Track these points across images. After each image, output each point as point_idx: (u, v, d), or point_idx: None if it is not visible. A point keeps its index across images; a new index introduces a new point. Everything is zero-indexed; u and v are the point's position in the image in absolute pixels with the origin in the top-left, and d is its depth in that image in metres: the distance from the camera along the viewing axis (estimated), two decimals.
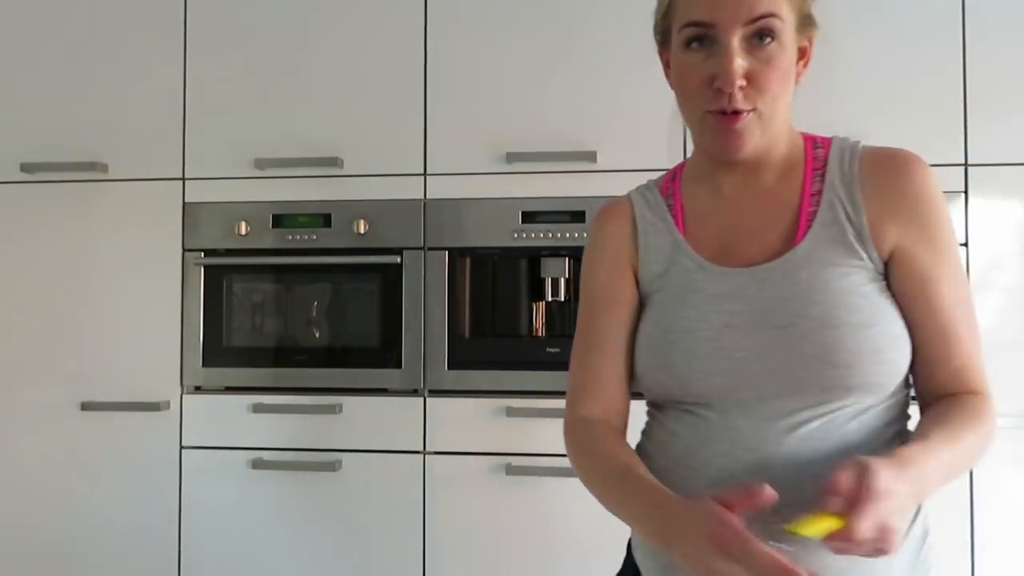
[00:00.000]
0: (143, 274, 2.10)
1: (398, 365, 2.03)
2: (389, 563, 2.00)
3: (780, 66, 0.99)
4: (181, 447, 2.07)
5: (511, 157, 1.99)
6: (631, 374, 1.12)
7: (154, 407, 2.06)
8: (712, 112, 1.00)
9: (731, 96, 0.98)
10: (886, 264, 1.01)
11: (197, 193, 2.10)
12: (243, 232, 2.07)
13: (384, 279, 2.04)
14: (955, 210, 1.89)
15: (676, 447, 1.04)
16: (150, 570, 2.07)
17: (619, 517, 1.03)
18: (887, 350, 0.97)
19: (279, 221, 2.07)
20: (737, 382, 1.00)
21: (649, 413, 1.13)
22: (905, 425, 1.05)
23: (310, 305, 2.09)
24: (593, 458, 1.08)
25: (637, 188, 1.18)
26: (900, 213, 1.00)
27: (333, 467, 2.00)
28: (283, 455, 2.03)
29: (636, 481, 0.99)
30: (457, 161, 2.03)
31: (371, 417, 2.02)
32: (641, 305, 1.12)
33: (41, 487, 2.12)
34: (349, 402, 2.02)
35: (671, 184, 1.15)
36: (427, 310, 2.02)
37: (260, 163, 2.06)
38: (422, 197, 2.04)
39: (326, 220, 2.06)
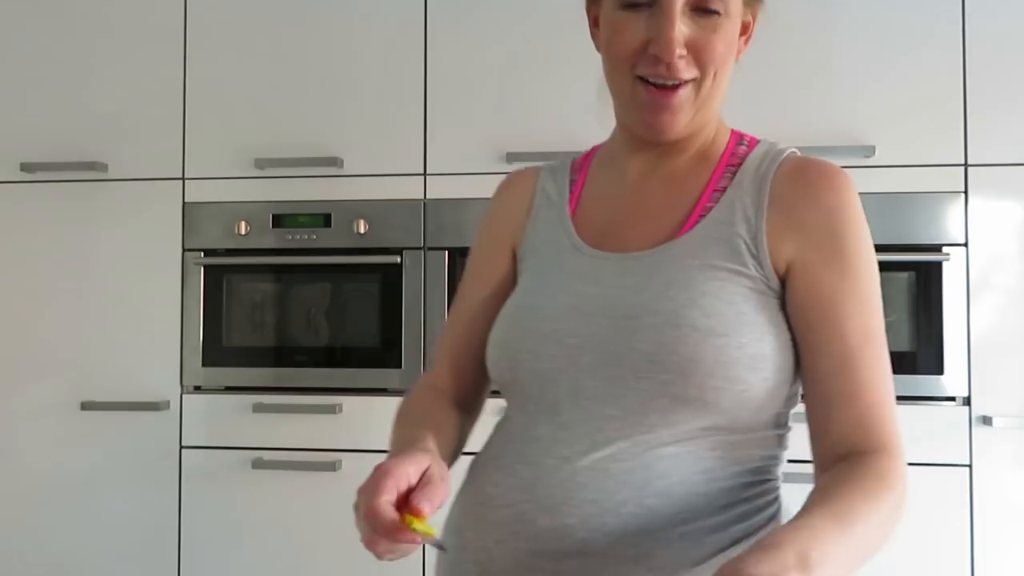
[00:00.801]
0: (143, 274, 2.10)
1: (398, 365, 2.03)
2: (389, 562, 2.00)
3: (725, 36, 0.89)
4: (181, 447, 2.07)
5: (511, 157, 1.99)
6: (481, 354, 1.01)
7: (154, 407, 2.06)
8: (645, 82, 0.89)
9: (670, 65, 0.87)
10: (784, 282, 0.89)
11: (197, 193, 2.10)
12: (243, 232, 2.07)
13: (384, 279, 2.04)
14: (955, 210, 1.89)
15: (488, 451, 0.96)
16: (150, 570, 2.06)
17: None
18: (737, 367, 0.83)
19: (279, 221, 2.07)
20: (561, 372, 0.89)
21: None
22: (764, 477, 0.90)
23: (310, 305, 2.09)
24: (399, 412, 1.02)
25: (553, 162, 1.10)
26: (805, 227, 0.88)
27: (333, 467, 2.00)
28: (283, 455, 2.03)
29: (401, 430, 0.96)
30: (457, 161, 2.03)
31: (371, 417, 2.02)
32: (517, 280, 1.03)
33: (41, 487, 2.12)
34: (349, 402, 2.02)
35: (584, 160, 1.08)
36: (427, 310, 2.02)
37: (260, 163, 2.06)
38: (422, 197, 2.04)
39: (326, 220, 2.06)
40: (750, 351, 0.84)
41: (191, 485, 2.06)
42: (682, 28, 0.87)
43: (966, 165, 1.90)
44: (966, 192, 1.89)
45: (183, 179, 2.10)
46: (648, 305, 0.86)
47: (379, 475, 0.77)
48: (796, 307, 0.88)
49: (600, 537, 0.83)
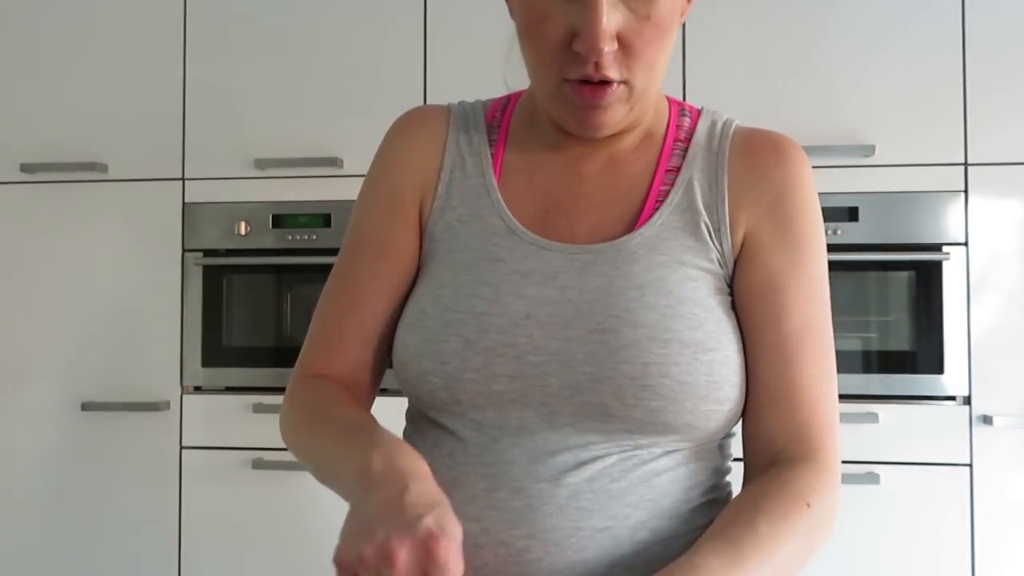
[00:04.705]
0: (143, 274, 2.10)
1: None
2: None
3: (662, 22, 0.74)
4: (181, 447, 2.07)
5: None
6: (388, 348, 0.87)
7: (154, 407, 2.06)
8: (572, 82, 0.76)
9: (598, 64, 0.74)
10: (736, 264, 0.81)
11: (197, 193, 2.10)
12: (243, 232, 2.07)
13: None
14: (955, 210, 1.89)
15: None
16: (150, 570, 2.07)
17: (321, 473, 0.86)
18: (724, 385, 0.76)
19: (279, 221, 2.07)
20: (524, 396, 0.75)
21: (405, 428, 0.89)
22: (728, 491, 0.84)
23: (310, 305, 2.08)
24: (316, 408, 0.85)
25: (462, 102, 0.91)
26: (758, 205, 0.80)
27: None
28: (283, 455, 2.03)
29: (374, 431, 0.80)
30: None
31: None
32: (422, 262, 0.85)
33: (41, 487, 2.12)
34: None
35: (501, 113, 0.88)
36: None
37: (260, 163, 2.06)
38: None
39: (326, 220, 2.06)
40: (733, 364, 0.77)
41: (191, 485, 2.06)
42: (612, 16, 0.73)
43: (966, 164, 1.90)
44: (966, 191, 1.89)
45: (183, 179, 2.10)
46: (623, 315, 0.75)
47: (445, 550, 0.64)
48: (739, 290, 0.80)
49: (622, 573, 0.73)
